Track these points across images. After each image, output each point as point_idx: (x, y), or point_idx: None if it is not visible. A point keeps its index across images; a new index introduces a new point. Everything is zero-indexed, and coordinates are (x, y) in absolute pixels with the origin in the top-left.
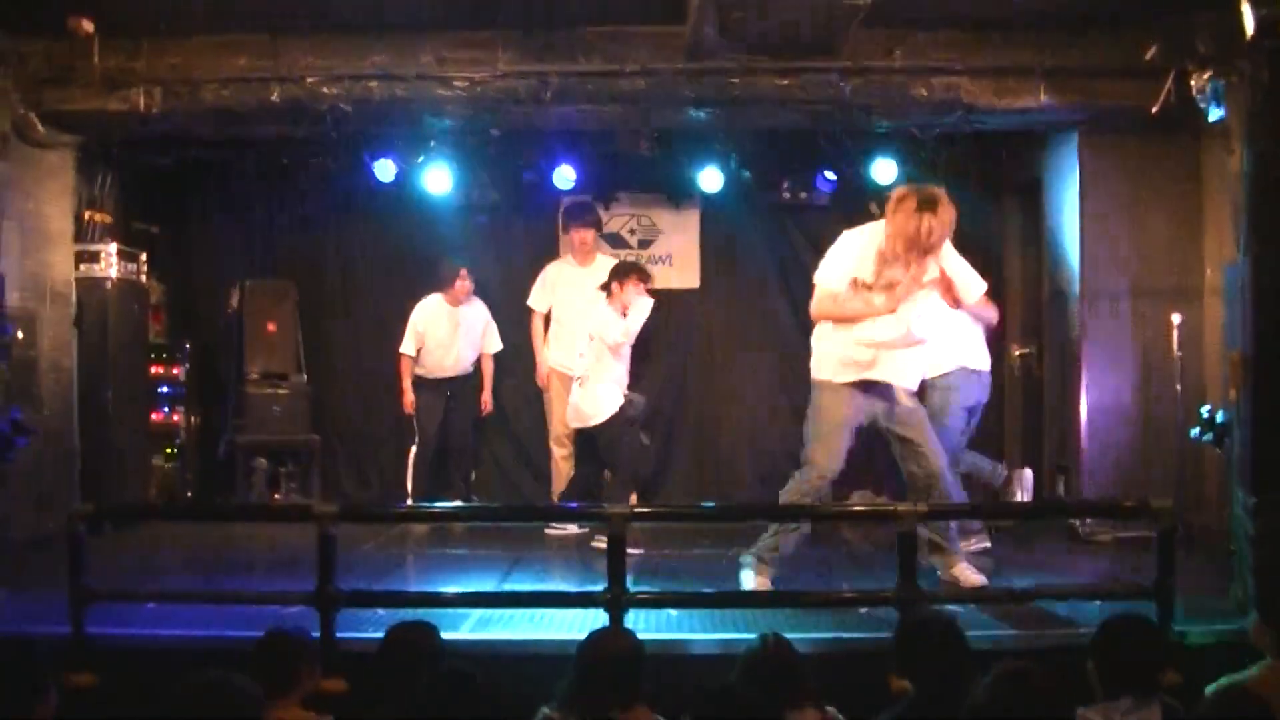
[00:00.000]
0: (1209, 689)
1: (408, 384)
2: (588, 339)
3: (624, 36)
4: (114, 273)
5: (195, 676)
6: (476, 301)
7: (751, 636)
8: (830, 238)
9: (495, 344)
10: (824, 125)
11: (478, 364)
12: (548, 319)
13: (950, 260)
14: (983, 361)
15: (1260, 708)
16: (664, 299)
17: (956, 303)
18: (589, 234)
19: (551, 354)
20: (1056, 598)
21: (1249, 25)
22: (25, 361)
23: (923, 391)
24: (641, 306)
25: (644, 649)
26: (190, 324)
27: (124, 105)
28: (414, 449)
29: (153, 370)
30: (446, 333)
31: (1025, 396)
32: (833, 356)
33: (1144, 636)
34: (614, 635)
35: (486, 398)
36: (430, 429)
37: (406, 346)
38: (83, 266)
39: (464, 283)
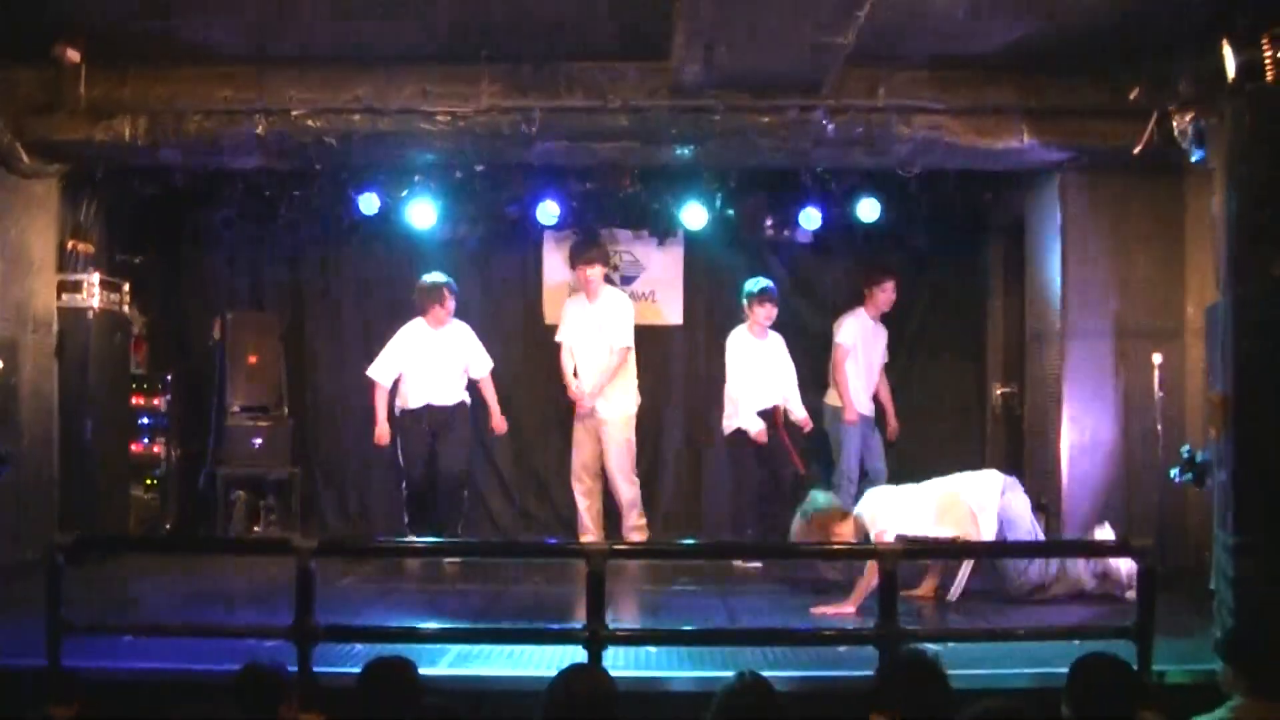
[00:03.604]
0: None
1: (381, 413)
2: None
3: (608, 72)
4: (96, 302)
5: (180, 714)
6: (457, 324)
7: (730, 674)
8: (813, 274)
9: (482, 366)
10: (807, 163)
11: (472, 391)
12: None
13: None
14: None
15: None
16: (647, 335)
17: None
18: (588, 271)
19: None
20: (1036, 637)
21: (1230, 68)
22: (6, 390)
23: None
24: None
25: (616, 687)
26: (172, 355)
27: (109, 135)
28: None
29: (134, 401)
30: (427, 358)
31: (1007, 435)
32: None
33: (1116, 676)
34: (585, 672)
35: (497, 421)
36: (413, 465)
37: (375, 370)
38: (65, 296)
39: (441, 308)
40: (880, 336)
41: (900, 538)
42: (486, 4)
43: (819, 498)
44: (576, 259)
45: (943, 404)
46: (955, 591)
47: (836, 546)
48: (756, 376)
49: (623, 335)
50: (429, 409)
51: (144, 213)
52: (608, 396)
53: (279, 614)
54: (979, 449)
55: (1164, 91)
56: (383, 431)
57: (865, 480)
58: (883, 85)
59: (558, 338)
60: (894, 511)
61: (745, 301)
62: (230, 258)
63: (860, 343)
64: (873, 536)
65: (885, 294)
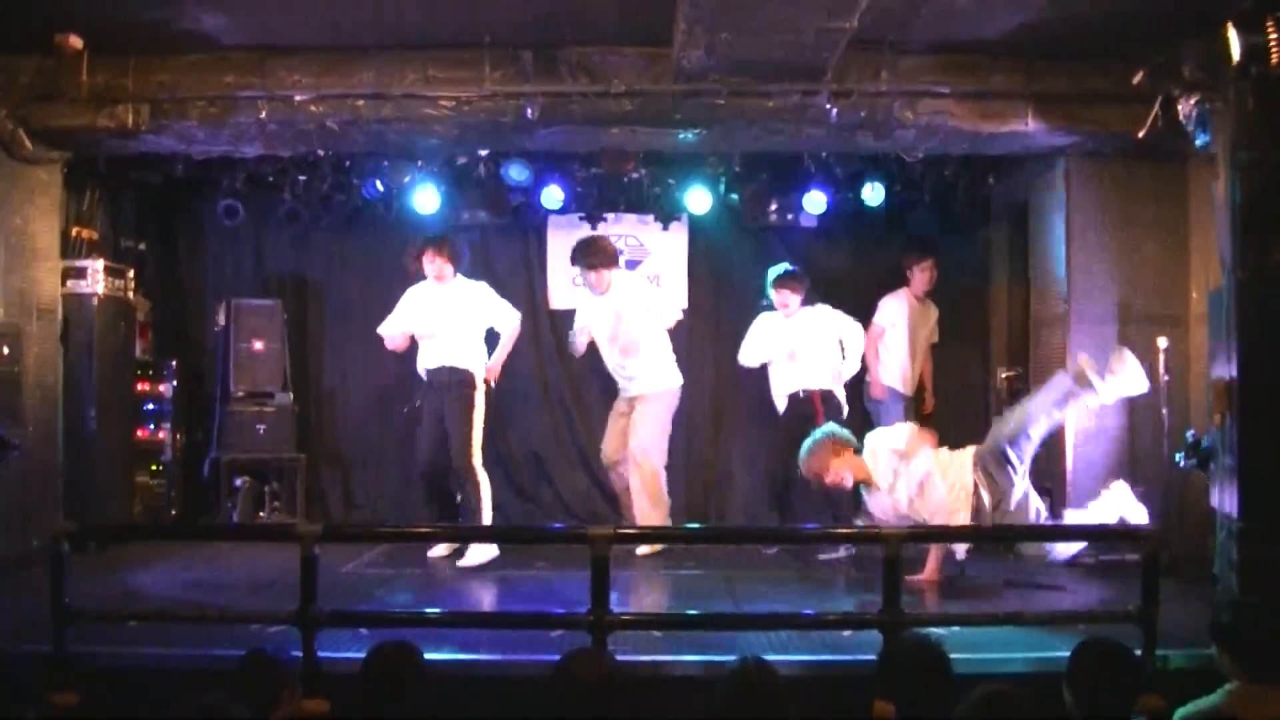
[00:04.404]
0: (1178, 714)
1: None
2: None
3: (611, 57)
4: (101, 289)
5: (188, 702)
6: (461, 282)
7: (734, 659)
8: (817, 259)
9: (504, 318)
10: (811, 147)
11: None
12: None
13: None
14: None
15: None
16: None
17: None
18: (590, 275)
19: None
20: (1040, 622)
21: (1235, 52)
22: (10, 378)
23: None
24: None
25: (620, 671)
26: (177, 341)
27: (112, 122)
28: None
29: (139, 387)
30: (424, 314)
31: None
32: None
33: (1119, 661)
34: (590, 657)
35: (495, 363)
36: (419, 438)
37: (385, 327)
38: (69, 282)
39: (429, 264)
40: (927, 316)
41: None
42: None
43: (828, 427)
44: (577, 262)
45: (947, 388)
46: (961, 553)
47: (842, 530)
48: (777, 357)
49: (667, 315)
50: (429, 376)
51: (147, 199)
52: (644, 374)
53: (283, 600)
54: (983, 433)
55: (1168, 76)
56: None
57: None
58: (886, 70)
59: (578, 323)
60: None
61: None
62: (234, 244)
63: (901, 322)
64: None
65: (924, 273)
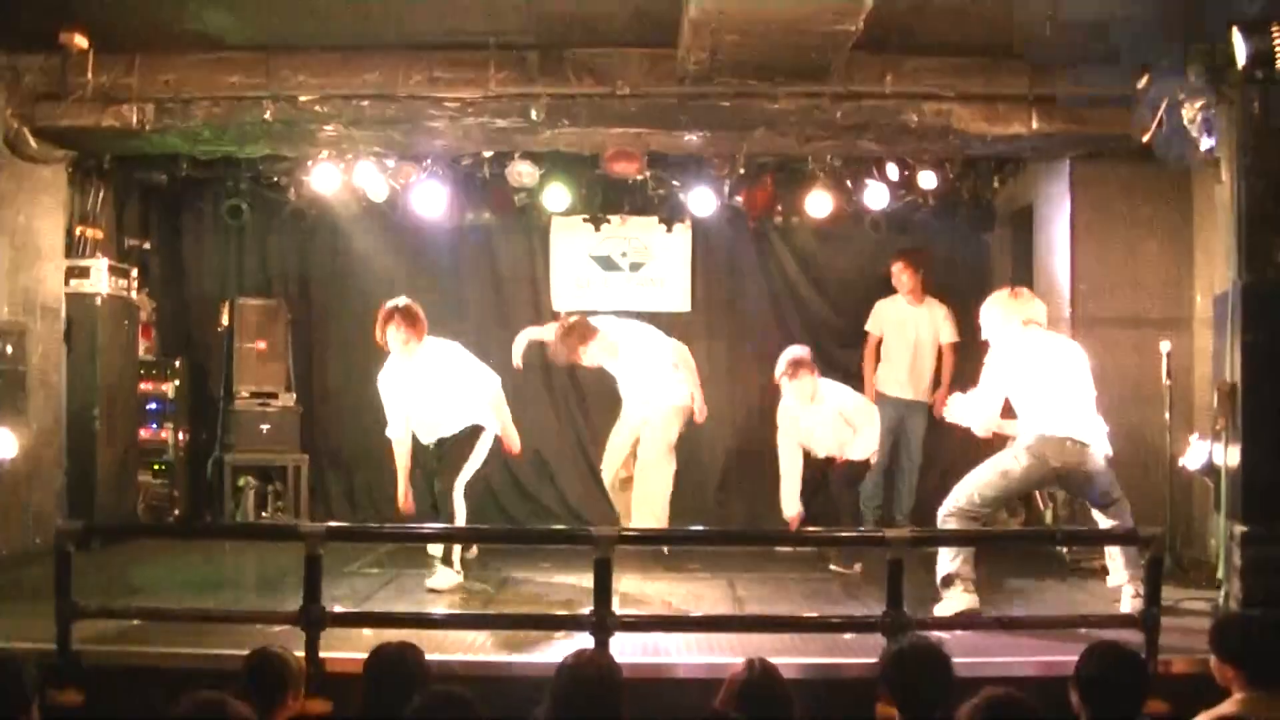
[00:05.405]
0: None
1: (402, 476)
2: None
3: (616, 59)
4: (105, 288)
5: (191, 697)
6: (430, 346)
7: (738, 661)
8: (821, 261)
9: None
10: (815, 150)
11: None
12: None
13: None
14: None
15: None
16: (655, 322)
17: None
18: (581, 353)
19: None
20: (1043, 625)
21: (1240, 56)
22: (14, 377)
23: None
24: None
25: (622, 673)
26: (181, 341)
27: (117, 121)
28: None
29: (142, 387)
30: (414, 393)
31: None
32: None
33: (1126, 665)
34: (591, 657)
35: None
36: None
37: (390, 429)
38: (73, 282)
39: (390, 331)
40: (924, 318)
41: None
42: None
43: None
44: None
45: (950, 391)
46: None
47: (844, 534)
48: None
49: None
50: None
51: (152, 198)
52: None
53: (286, 600)
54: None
55: (1173, 80)
56: (408, 504)
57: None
58: (891, 72)
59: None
60: None
61: None
62: (238, 244)
63: (891, 326)
64: None
65: (897, 275)
